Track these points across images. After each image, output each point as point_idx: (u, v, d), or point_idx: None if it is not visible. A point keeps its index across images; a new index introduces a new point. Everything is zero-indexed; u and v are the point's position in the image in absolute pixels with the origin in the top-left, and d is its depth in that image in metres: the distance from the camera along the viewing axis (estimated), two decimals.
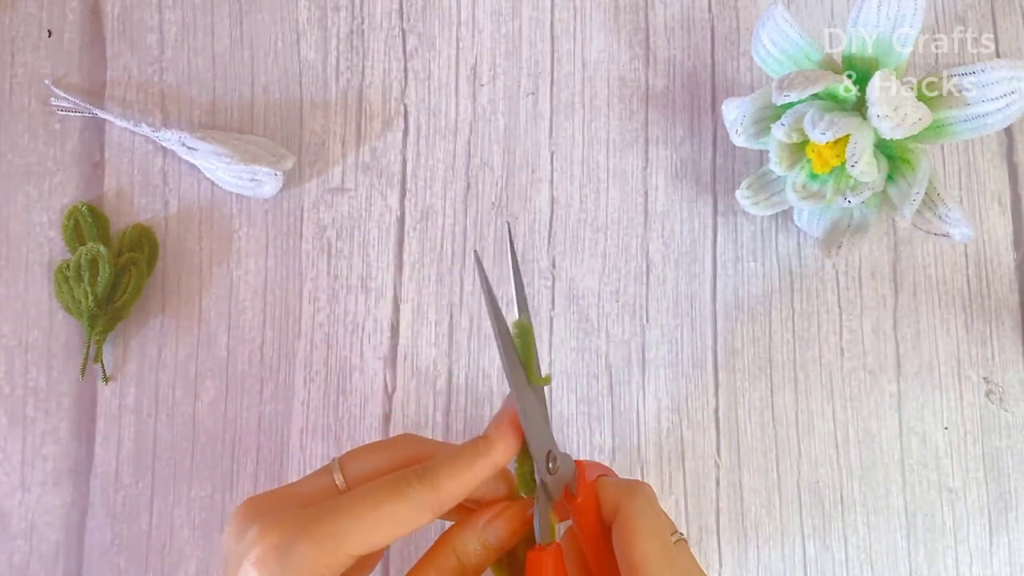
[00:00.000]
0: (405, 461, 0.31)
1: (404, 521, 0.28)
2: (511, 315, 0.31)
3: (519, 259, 0.33)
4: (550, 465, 0.30)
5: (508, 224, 0.34)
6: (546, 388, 0.43)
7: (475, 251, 0.33)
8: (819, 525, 0.42)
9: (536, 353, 0.31)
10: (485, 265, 0.44)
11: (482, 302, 0.43)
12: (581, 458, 0.36)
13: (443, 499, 0.29)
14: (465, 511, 0.34)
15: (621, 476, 0.42)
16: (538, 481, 0.30)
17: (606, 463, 0.42)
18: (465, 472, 0.29)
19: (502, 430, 0.30)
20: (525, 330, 0.31)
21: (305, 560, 0.27)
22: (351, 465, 0.32)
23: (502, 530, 0.31)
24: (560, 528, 0.33)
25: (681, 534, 0.33)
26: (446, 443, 0.35)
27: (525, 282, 0.44)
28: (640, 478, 0.42)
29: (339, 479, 0.31)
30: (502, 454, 0.30)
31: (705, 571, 0.31)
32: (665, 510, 0.39)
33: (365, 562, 0.34)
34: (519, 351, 0.31)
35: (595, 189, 0.45)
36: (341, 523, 0.28)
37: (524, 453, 0.31)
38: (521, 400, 0.30)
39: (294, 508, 0.29)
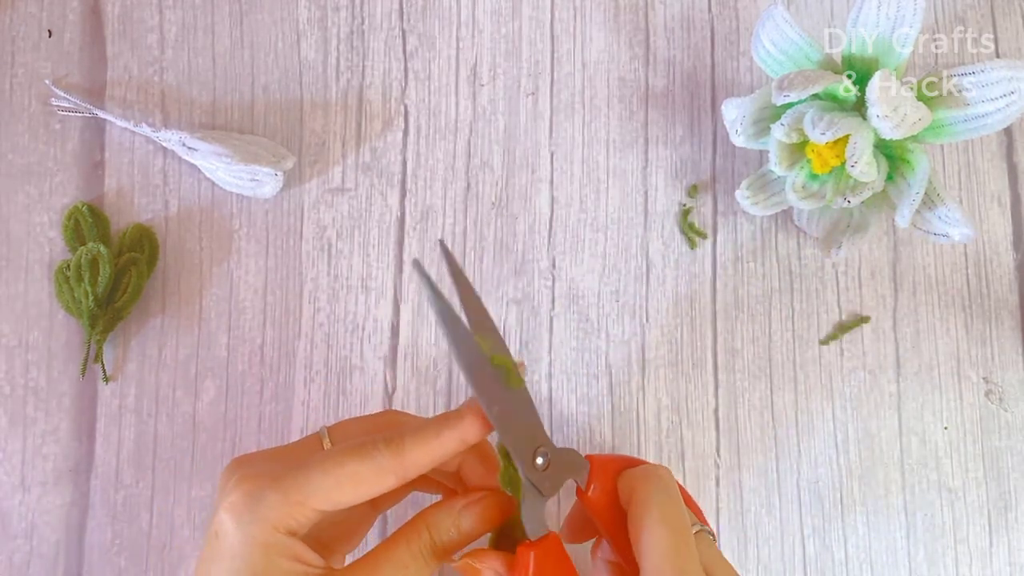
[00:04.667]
0: (388, 430, 0.32)
1: (366, 481, 0.29)
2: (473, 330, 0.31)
3: (470, 277, 0.32)
4: (538, 461, 0.30)
5: (441, 242, 0.32)
6: (546, 388, 0.43)
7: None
8: (819, 525, 0.42)
9: (510, 356, 0.31)
10: (485, 264, 0.44)
11: (483, 302, 0.43)
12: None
13: (407, 465, 0.29)
14: (449, 493, 0.34)
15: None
16: (523, 478, 0.30)
17: None
18: (431, 441, 0.30)
19: (472, 407, 0.30)
20: (502, 360, 0.30)
21: (272, 509, 0.28)
22: (337, 431, 0.33)
23: (476, 517, 0.31)
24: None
25: (706, 527, 0.32)
26: (425, 420, 0.35)
27: (525, 282, 0.44)
28: None
29: (327, 444, 0.33)
30: (470, 427, 0.30)
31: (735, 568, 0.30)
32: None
33: (351, 529, 0.35)
34: (496, 363, 0.30)
35: (595, 189, 0.45)
36: (308, 477, 0.29)
37: (505, 455, 0.31)
38: (488, 400, 0.30)
39: (273, 462, 0.30)
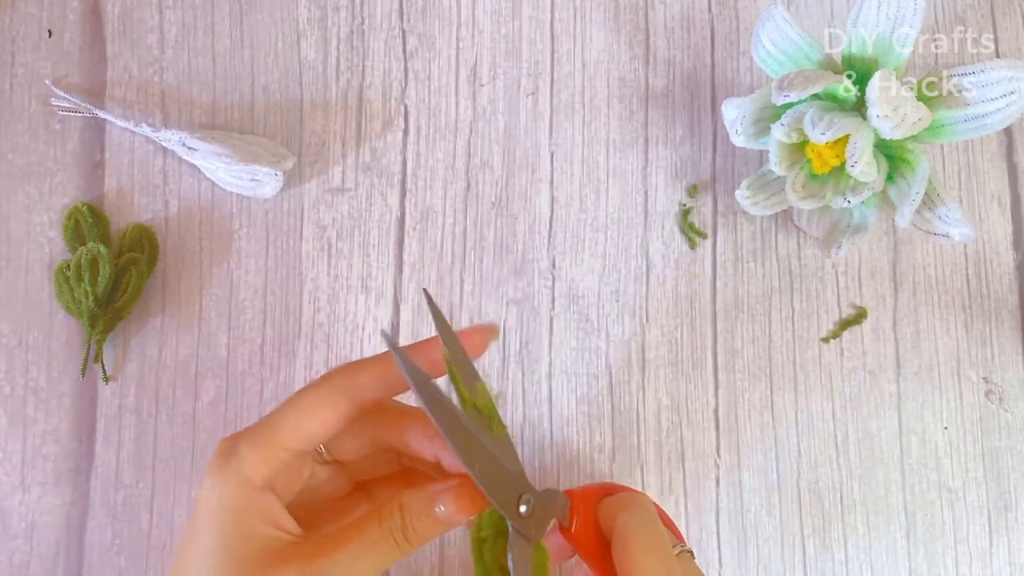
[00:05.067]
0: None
1: (327, 403, 0.29)
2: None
3: (440, 311, 0.31)
4: (522, 509, 0.30)
5: (425, 291, 0.32)
6: (546, 388, 0.43)
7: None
8: (819, 525, 0.42)
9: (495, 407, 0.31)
10: (485, 264, 0.44)
11: (483, 302, 0.43)
12: (580, 473, 0.35)
13: (358, 384, 0.30)
14: (426, 479, 0.34)
15: (622, 479, 0.42)
16: (510, 527, 0.30)
17: (606, 463, 0.42)
18: (382, 358, 0.30)
19: (428, 342, 0.31)
20: (484, 394, 0.30)
21: (244, 460, 0.29)
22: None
23: (451, 503, 0.30)
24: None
25: (684, 547, 0.32)
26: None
27: (525, 282, 0.44)
28: (640, 478, 0.42)
29: None
30: (424, 353, 0.30)
31: None
32: (666, 512, 0.39)
33: (337, 509, 0.34)
34: (482, 409, 0.30)
35: (595, 189, 0.45)
36: (273, 419, 0.30)
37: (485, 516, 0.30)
38: (469, 458, 0.29)
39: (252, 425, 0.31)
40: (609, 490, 0.33)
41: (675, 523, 0.38)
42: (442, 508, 0.30)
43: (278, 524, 0.29)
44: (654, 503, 0.32)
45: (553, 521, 0.31)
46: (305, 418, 0.30)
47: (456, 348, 0.30)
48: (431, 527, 0.30)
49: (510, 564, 0.30)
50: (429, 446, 0.32)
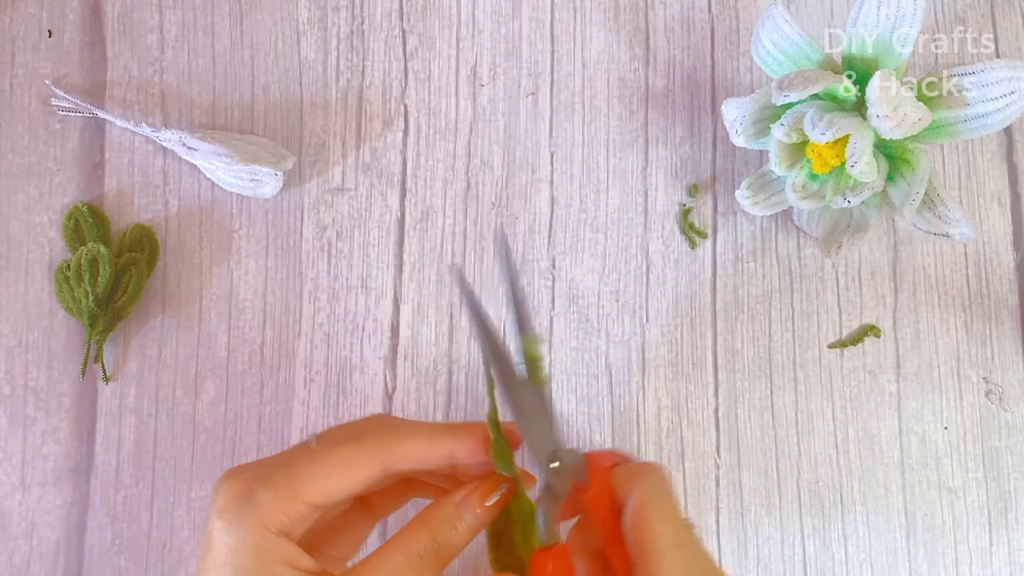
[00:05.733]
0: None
1: (355, 466, 0.29)
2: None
3: (516, 268, 0.32)
4: (554, 464, 0.30)
5: (503, 230, 0.33)
6: (546, 388, 0.43)
7: (454, 264, 0.33)
8: (819, 525, 0.42)
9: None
10: (485, 264, 0.44)
11: (483, 302, 0.43)
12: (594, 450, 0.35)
13: (395, 453, 0.29)
14: (427, 487, 0.34)
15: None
16: (542, 482, 0.30)
17: None
18: (423, 436, 0.30)
19: (474, 426, 0.31)
20: (532, 341, 0.31)
21: (263, 507, 0.28)
22: (326, 436, 0.33)
23: (476, 507, 0.30)
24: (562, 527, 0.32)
25: (688, 519, 0.32)
26: (418, 421, 0.35)
27: (525, 282, 0.44)
28: None
29: (314, 445, 0.32)
30: (466, 442, 0.30)
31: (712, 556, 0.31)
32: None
33: (348, 536, 0.34)
34: (528, 357, 0.31)
35: (595, 189, 0.45)
36: (297, 470, 0.29)
37: (498, 432, 0.30)
38: (516, 399, 0.30)
39: (263, 467, 0.30)
40: (620, 457, 0.33)
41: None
42: (469, 516, 0.30)
43: (296, 564, 0.28)
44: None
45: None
46: (332, 477, 0.29)
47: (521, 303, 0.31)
48: (462, 538, 0.30)
49: (539, 520, 0.30)
50: (446, 453, 0.31)
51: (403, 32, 0.46)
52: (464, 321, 0.43)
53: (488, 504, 0.30)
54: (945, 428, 0.43)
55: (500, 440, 0.30)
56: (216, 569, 0.28)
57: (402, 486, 0.35)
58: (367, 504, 0.35)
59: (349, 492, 0.29)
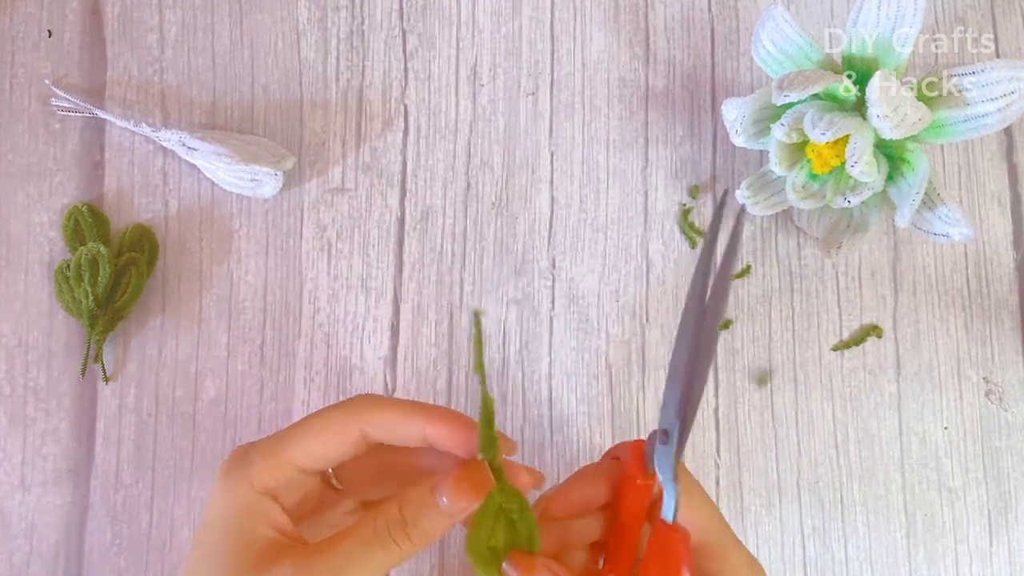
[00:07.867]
0: None
1: (335, 428, 0.31)
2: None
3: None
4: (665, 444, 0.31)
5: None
6: (546, 388, 0.43)
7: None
8: (819, 525, 0.42)
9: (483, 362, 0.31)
10: (485, 264, 0.44)
11: (483, 302, 0.43)
12: (619, 443, 0.35)
13: (372, 420, 0.31)
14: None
15: None
16: (657, 440, 0.31)
17: None
18: (401, 407, 0.31)
19: (449, 416, 0.32)
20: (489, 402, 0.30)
21: (253, 466, 0.31)
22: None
23: (452, 491, 0.29)
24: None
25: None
26: (403, 399, 0.36)
27: (525, 282, 0.44)
28: None
29: None
30: (438, 427, 0.31)
31: None
32: None
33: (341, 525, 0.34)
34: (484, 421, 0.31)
35: (595, 189, 0.45)
36: (287, 435, 0.31)
37: (488, 425, 0.30)
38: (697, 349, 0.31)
39: (264, 437, 0.32)
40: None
41: None
42: (444, 499, 0.29)
43: (278, 527, 0.30)
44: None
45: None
46: (313, 440, 0.31)
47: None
48: (435, 522, 0.30)
49: (657, 468, 0.31)
50: (419, 431, 0.32)
51: (403, 32, 0.46)
52: (464, 321, 0.43)
53: (462, 490, 0.30)
54: (945, 428, 0.43)
55: (488, 431, 0.30)
56: (208, 529, 0.30)
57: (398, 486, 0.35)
58: (372, 509, 0.35)
59: (331, 455, 0.31)
